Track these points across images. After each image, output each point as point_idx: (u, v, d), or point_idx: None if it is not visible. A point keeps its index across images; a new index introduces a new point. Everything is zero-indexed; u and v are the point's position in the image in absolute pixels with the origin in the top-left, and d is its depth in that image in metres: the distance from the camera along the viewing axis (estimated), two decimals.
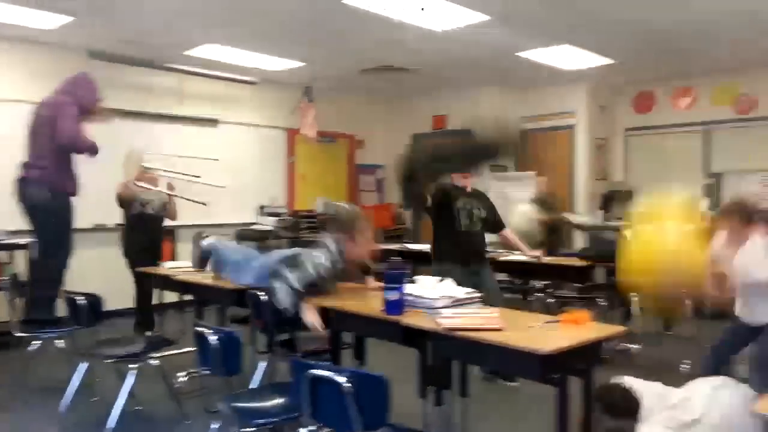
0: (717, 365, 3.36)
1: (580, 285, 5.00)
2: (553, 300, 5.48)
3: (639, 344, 5.03)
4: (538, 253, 4.58)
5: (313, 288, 3.00)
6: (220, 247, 3.88)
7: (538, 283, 5.48)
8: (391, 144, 9.39)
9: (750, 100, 7.38)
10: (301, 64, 6.91)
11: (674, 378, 3.70)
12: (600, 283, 4.78)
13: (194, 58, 6.56)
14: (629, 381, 3.25)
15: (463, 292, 2.81)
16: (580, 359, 2.30)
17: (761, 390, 2.70)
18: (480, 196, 4.28)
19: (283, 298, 2.89)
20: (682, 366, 4.11)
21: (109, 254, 5.69)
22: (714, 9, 5.09)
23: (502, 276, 6.06)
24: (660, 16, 5.33)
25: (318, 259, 3.00)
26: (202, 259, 4.08)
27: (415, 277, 2.91)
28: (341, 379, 1.72)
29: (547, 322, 2.48)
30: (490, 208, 4.28)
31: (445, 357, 2.67)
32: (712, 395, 3.08)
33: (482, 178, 8.36)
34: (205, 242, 4.00)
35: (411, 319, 2.57)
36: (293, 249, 3.41)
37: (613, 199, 7.91)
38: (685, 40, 6.10)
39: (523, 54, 6.50)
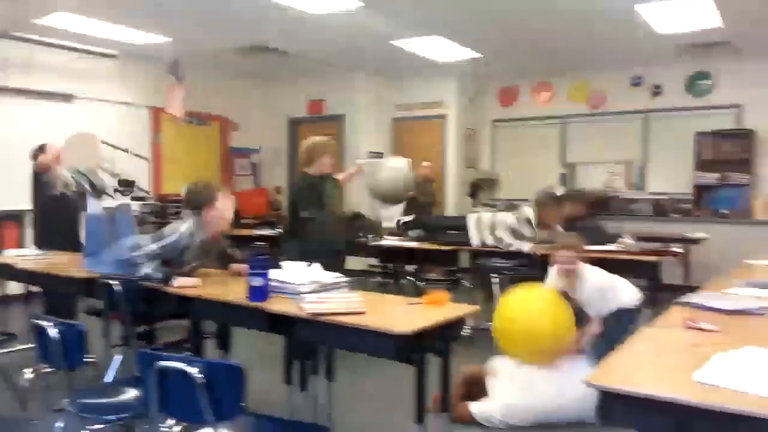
0: None
1: (446, 268, 5.21)
2: (423, 283, 5.67)
3: None
4: None
5: (179, 260, 2.93)
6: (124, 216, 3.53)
7: (409, 267, 5.64)
8: (267, 127, 9.20)
9: (600, 96, 8.06)
10: (168, 39, 6.53)
11: None
12: (465, 267, 5.00)
13: (44, 27, 5.96)
14: (495, 363, 3.51)
15: (330, 276, 2.82)
16: (438, 338, 2.39)
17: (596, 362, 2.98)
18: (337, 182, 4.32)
19: (151, 271, 2.82)
20: None
21: None
22: (569, 11, 5.48)
23: (372, 261, 6.19)
24: (523, 15, 5.65)
25: (177, 226, 2.96)
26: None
27: (282, 263, 2.87)
28: (192, 370, 1.65)
29: (410, 304, 2.55)
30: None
31: (311, 342, 2.67)
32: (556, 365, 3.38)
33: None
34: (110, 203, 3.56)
35: (275, 305, 2.52)
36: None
37: (480, 187, 8.32)
38: (544, 40, 6.52)
39: (396, 42, 6.60)
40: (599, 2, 5.25)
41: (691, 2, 5.18)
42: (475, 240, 4.85)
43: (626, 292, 3.41)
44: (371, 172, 5.54)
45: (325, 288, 2.71)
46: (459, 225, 5.04)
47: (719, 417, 1.42)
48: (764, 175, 7.15)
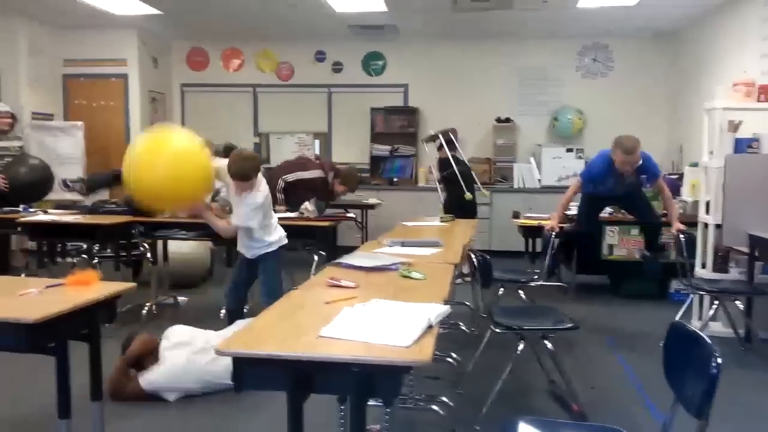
0: (235, 299, 3.80)
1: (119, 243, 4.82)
2: (98, 261, 5.15)
3: (185, 296, 5.20)
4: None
5: None
6: None
7: (75, 244, 5.06)
8: None
9: (288, 68, 8.29)
10: None
11: (217, 323, 3.96)
12: (134, 241, 4.69)
13: None
14: (173, 329, 3.36)
15: None
16: (83, 322, 2.17)
17: None
18: None
19: None
20: (221, 312, 4.40)
21: None
22: None
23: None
24: None
25: None
26: None
27: None
28: None
29: (49, 287, 2.25)
30: None
31: None
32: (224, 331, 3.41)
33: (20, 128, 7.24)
34: None
35: None
36: None
37: None
38: (224, 3, 6.36)
39: None
40: None
41: None
42: None
43: (278, 231, 3.75)
44: None
45: None
46: None
47: (336, 366, 1.55)
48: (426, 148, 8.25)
